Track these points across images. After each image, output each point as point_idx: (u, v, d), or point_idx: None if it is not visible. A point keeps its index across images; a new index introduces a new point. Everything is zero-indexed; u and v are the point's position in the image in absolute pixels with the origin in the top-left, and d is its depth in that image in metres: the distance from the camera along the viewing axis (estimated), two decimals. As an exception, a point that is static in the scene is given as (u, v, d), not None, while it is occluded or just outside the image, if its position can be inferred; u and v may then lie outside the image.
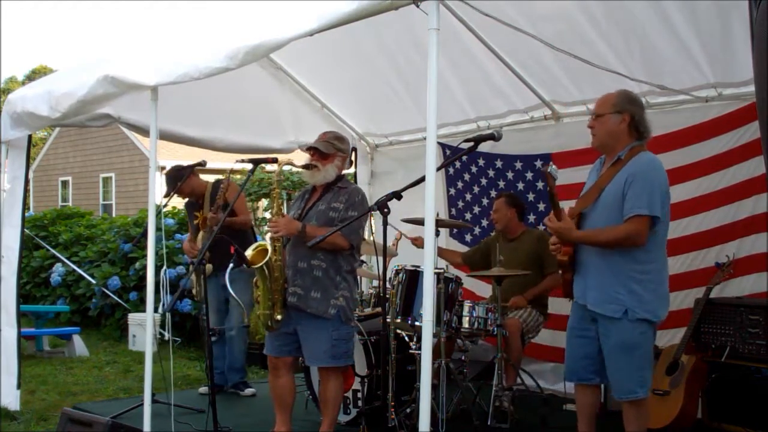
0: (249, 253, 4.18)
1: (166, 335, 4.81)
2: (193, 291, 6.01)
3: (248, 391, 6.06)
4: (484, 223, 6.55)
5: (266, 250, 4.11)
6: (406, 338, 4.97)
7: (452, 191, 6.76)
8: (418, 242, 5.47)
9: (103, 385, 6.65)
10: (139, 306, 8.83)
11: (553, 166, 3.52)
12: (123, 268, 9.37)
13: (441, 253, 5.95)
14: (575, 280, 3.67)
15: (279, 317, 4.18)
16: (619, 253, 3.47)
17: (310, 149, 4.37)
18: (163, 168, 19.54)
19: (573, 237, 3.55)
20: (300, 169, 4.47)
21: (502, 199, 5.64)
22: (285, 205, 6.87)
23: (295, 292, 4.19)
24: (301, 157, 4.52)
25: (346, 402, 4.84)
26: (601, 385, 3.79)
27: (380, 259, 3.74)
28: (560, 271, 3.76)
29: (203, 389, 6.04)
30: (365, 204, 4.33)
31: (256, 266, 4.09)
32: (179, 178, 5.78)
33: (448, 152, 6.58)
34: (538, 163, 6.03)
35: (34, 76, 34.57)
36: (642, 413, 3.57)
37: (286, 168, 4.49)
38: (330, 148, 4.32)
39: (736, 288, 4.89)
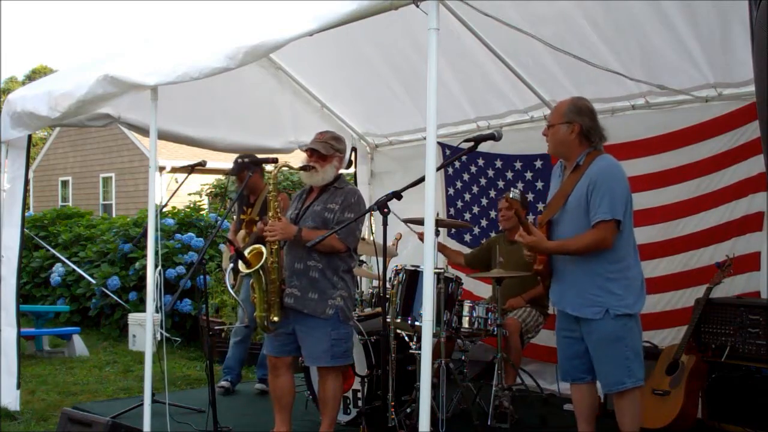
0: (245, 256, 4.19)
1: (162, 335, 4.84)
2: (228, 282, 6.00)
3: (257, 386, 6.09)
4: (483, 223, 6.55)
5: (261, 254, 4.11)
6: (406, 338, 4.97)
7: (451, 191, 6.76)
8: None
9: (103, 385, 6.65)
10: (139, 306, 8.83)
11: (515, 192, 3.67)
12: (123, 268, 9.38)
13: (444, 250, 5.94)
14: (552, 287, 3.77)
15: (276, 319, 4.18)
16: (592, 258, 3.56)
17: (308, 150, 4.36)
18: (162, 168, 19.49)
19: (545, 248, 3.65)
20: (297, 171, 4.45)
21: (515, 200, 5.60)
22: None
23: (292, 293, 4.19)
24: (301, 158, 4.50)
25: (346, 402, 4.84)
26: (596, 383, 3.83)
27: (380, 259, 3.73)
28: (539, 279, 3.84)
29: (223, 382, 6.03)
30: (361, 205, 4.33)
31: (251, 270, 4.09)
32: (251, 169, 5.73)
33: (447, 152, 6.58)
34: (538, 163, 6.04)
35: (34, 76, 34.56)
36: (633, 406, 3.62)
37: (284, 169, 4.48)
38: (329, 149, 4.31)
39: (728, 287, 4.89)
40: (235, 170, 5.85)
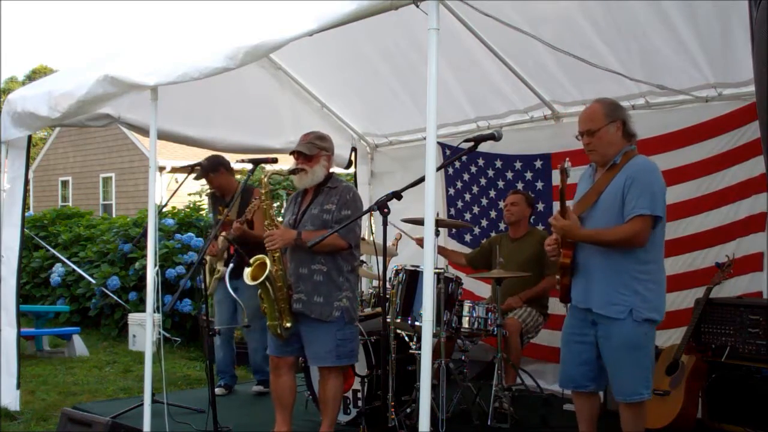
0: (248, 270, 4.18)
1: (159, 335, 4.85)
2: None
3: (255, 388, 6.09)
4: (484, 223, 6.55)
5: (265, 264, 4.10)
6: (406, 338, 4.97)
7: (451, 191, 6.76)
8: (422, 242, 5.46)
9: (103, 385, 6.65)
10: (139, 306, 8.83)
11: (569, 163, 3.53)
12: (122, 268, 9.38)
13: (445, 253, 5.96)
14: (574, 283, 3.64)
15: (288, 325, 4.19)
16: (621, 254, 3.47)
17: (294, 153, 4.36)
18: (162, 168, 19.45)
19: (579, 235, 3.54)
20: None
21: (522, 197, 5.66)
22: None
23: (300, 298, 4.20)
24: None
25: (346, 402, 4.84)
26: (599, 392, 3.78)
27: (380, 259, 3.73)
28: (557, 275, 3.72)
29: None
30: (357, 201, 4.33)
31: (258, 281, 4.08)
32: (212, 169, 5.80)
33: (447, 152, 6.58)
34: (538, 163, 6.04)
35: (34, 76, 34.54)
36: (641, 415, 3.55)
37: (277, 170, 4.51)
38: (313, 149, 4.30)
39: (732, 287, 4.89)
40: (200, 175, 5.88)
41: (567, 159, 3.56)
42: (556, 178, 5.89)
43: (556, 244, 3.64)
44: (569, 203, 3.63)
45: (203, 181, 6.17)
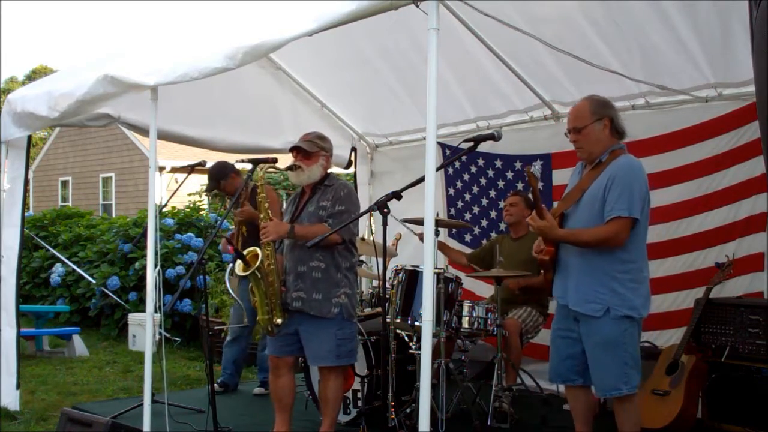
0: (239, 263, 4.18)
1: (161, 335, 4.87)
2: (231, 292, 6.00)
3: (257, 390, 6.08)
4: (484, 223, 6.55)
5: (257, 256, 4.11)
6: (406, 338, 4.97)
7: (451, 191, 6.76)
8: None
9: (103, 385, 6.65)
10: (139, 306, 8.83)
11: (536, 166, 3.56)
12: (122, 269, 9.38)
13: (446, 250, 5.95)
14: (555, 280, 3.70)
15: (279, 321, 4.18)
16: (599, 253, 3.50)
17: (294, 149, 4.36)
18: (162, 168, 19.39)
19: (556, 235, 3.58)
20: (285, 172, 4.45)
21: (521, 198, 5.66)
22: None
23: (299, 296, 4.20)
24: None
25: (346, 402, 4.84)
26: (590, 386, 3.78)
27: (380, 259, 3.73)
28: (542, 271, 3.78)
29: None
30: (352, 197, 4.35)
31: (247, 272, 4.09)
32: (222, 176, 5.80)
33: (447, 152, 6.58)
34: (537, 163, 6.03)
35: (34, 76, 34.56)
36: (631, 411, 3.58)
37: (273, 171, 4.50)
38: (313, 147, 4.32)
39: (732, 287, 4.89)
40: (212, 183, 5.91)
41: (538, 160, 3.59)
42: (556, 178, 5.90)
43: (542, 247, 3.69)
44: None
45: (203, 180, 6.17)
